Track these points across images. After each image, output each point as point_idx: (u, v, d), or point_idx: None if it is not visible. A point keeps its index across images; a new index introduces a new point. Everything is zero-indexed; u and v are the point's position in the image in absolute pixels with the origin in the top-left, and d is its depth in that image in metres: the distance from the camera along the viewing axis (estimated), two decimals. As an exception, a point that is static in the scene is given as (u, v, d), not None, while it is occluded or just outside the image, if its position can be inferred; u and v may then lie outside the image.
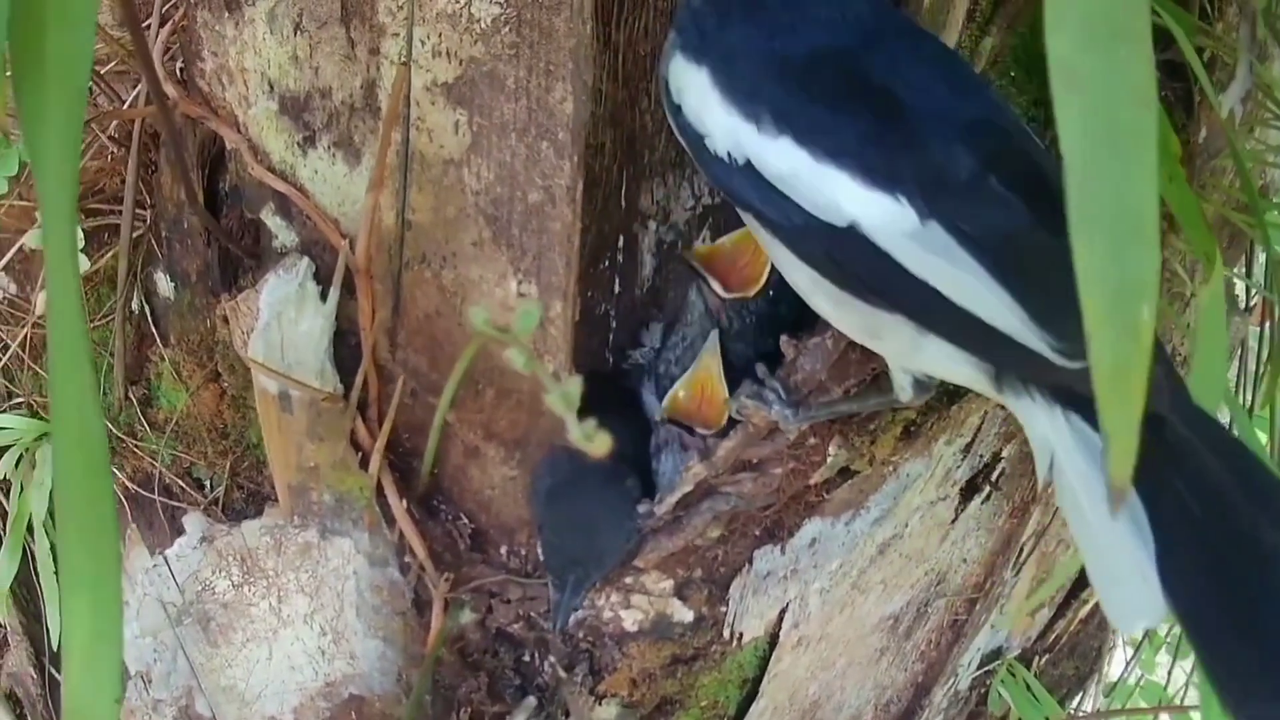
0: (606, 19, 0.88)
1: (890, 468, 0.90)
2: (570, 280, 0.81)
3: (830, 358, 0.81)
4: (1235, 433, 0.96)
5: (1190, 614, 0.59)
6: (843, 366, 0.82)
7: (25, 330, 0.97)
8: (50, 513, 1.01)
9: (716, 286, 0.87)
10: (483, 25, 0.77)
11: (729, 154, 0.69)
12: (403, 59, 0.79)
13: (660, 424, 0.90)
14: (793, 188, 0.67)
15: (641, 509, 0.86)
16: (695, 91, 0.70)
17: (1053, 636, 1.17)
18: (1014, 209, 0.65)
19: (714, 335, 0.88)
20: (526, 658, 0.92)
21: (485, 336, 0.67)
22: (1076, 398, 0.65)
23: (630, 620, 0.90)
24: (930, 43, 0.77)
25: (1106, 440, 0.43)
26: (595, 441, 0.62)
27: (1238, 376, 1.21)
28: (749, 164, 0.68)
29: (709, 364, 0.87)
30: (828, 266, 0.69)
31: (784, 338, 0.83)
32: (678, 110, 0.73)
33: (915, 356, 0.73)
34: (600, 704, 0.91)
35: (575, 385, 0.62)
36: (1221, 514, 0.60)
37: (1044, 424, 0.67)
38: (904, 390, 0.78)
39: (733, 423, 0.86)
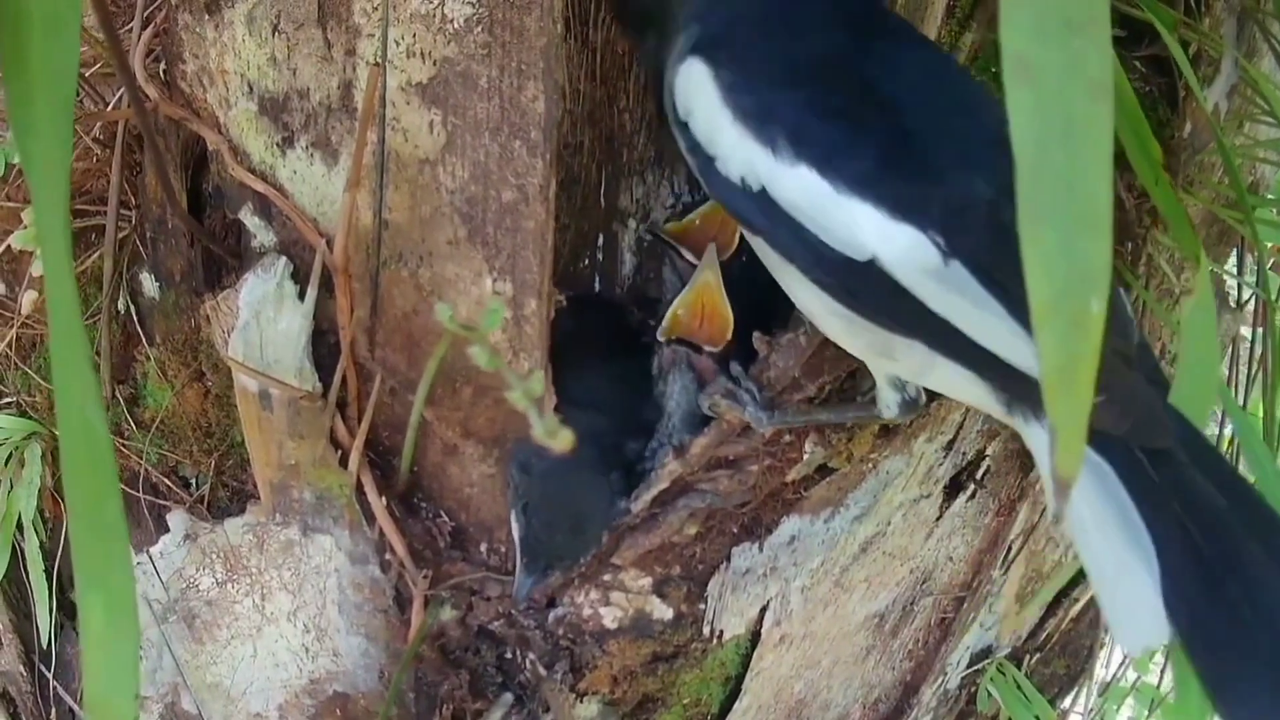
0: (584, 19, 0.89)
1: (869, 465, 0.90)
2: (545, 278, 0.81)
3: (804, 355, 0.81)
4: (1230, 428, 0.96)
5: (1190, 637, 0.61)
6: (816, 364, 0.82)
7: (13, 330, 0.98)
8: (40, 511, 1.02)
9: (688, 255, 0.86)
10: (455, 25, 0.78)
11: (742, 179, 0.67)
12: (377, 60, 0.80)
13: (665, 345, 0.88)
14: (810, 218, 0.66)
15: (619, 506, 0.87)
16: (704, 109, 0.69)
17: (1043, 635, 1.17)
18: None
19: (711, 249, 0.86)
20: (508, 655, 0.92)
21: (453, 334, 0.68)
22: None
23: (610, 618, 0.90)
24: (930, 47, 0.77)
25: (1053, 434, 0.43)
26: (559, 437, 0.62)
27: (1230, 373, 1.20)
28: (764, 191, 0.67)
29: (708, 279, 0.86)
30: (842, 295, 0.68)
31: (756, 334, 0.83)
32: (685, 127, 0.71)
33: (927, 375, 0.73)
34: (581, 701, 0.91)
35: (538, 382, 0.62)
36: (1220, 543, 0.62)
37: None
38: (889, 409, 0.78)
39: (741, 341, 0.86)
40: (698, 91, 0.69)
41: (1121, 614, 0.64)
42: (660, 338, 0.88)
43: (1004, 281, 0.63)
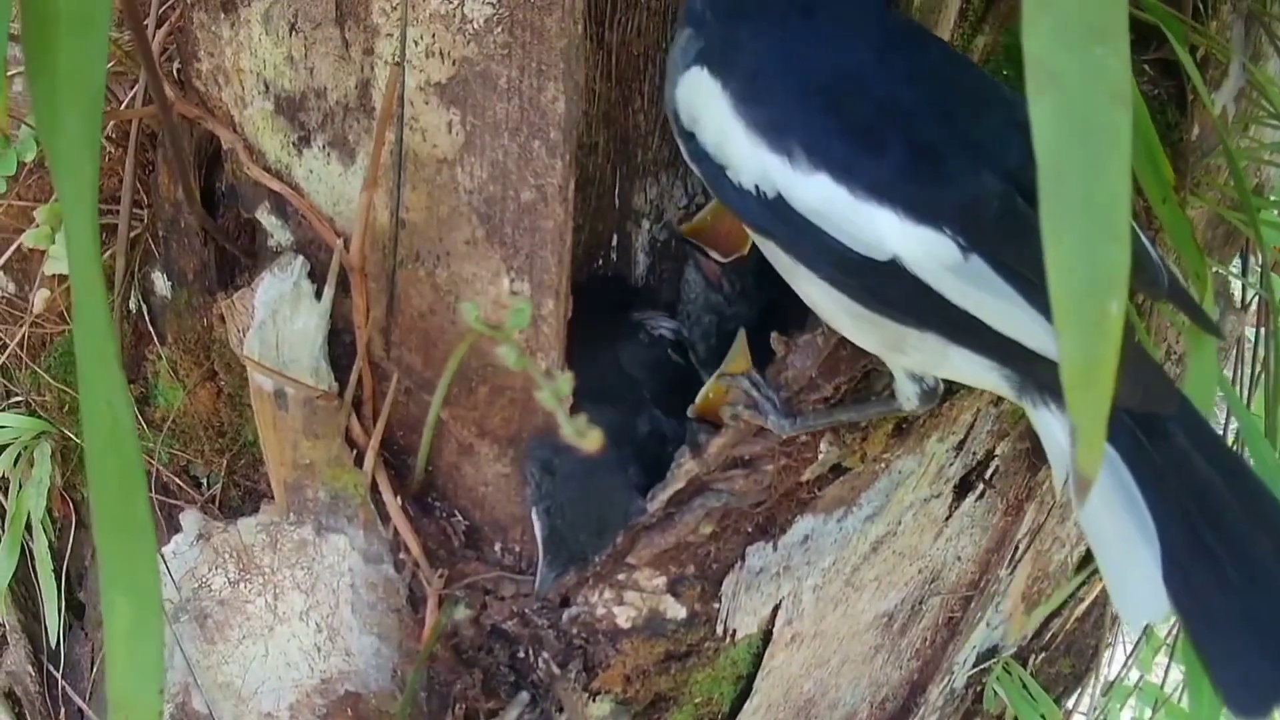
0: (600, 19, 0.89)
1: (882, 465, 0.90)
2: (562, 278, 0.82)
3: (821, 354, 0.82)
4: (1235, 426, 0.98)
5: (1189, 612, 0.64)
6: (833, 364, 0.83)
7: (24, 329, 0.98)
8: (49, 511, 1.01)
9: (714, 254, 0.88)
10: (475, 25, 0.78)
11: (757, 187, 0.68)
12: (396, 59, 0.80)
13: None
14: (829, 222, 0.67)
15: (635, 506, 0.87)
16: (713, 119, 0.69)
17: (1049, 635, 1.18)
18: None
19: (741, 335, 0.89)
20: (521, 654, 0.92)
21: (477, 333, 0.68)
22: None
23: (624, 617, 0.90)
24: (941, 49, 0.78)
25: (1074, 434, 0.44)
26: (587, 437, 0.62)
27: (1233, 374, 1.21)
28: (780, 197, 0.68)
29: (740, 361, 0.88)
30: (862, 294, 0.70)
31: (774, 335, 0.83)
32: (690, 137, 0.72)
33: (940, 365, 0.75)
34: (594, 700, 0.91)
35: (566, 382, 0.63)
36: (1217, 521, 0.65)
37: (1061, 435, 0.70)
38: (909, 400, 0.80)
39: (758, 349, 0.87)
40: (705, 102, 0.70)
41: (1124, 588, 0.67)
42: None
43: (1019, 269, 0.65)
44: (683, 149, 0.74)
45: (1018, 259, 0.65)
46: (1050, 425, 0.70)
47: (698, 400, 0.89)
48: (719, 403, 0.87)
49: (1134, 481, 0.66)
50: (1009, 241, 0.66)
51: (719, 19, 0.71)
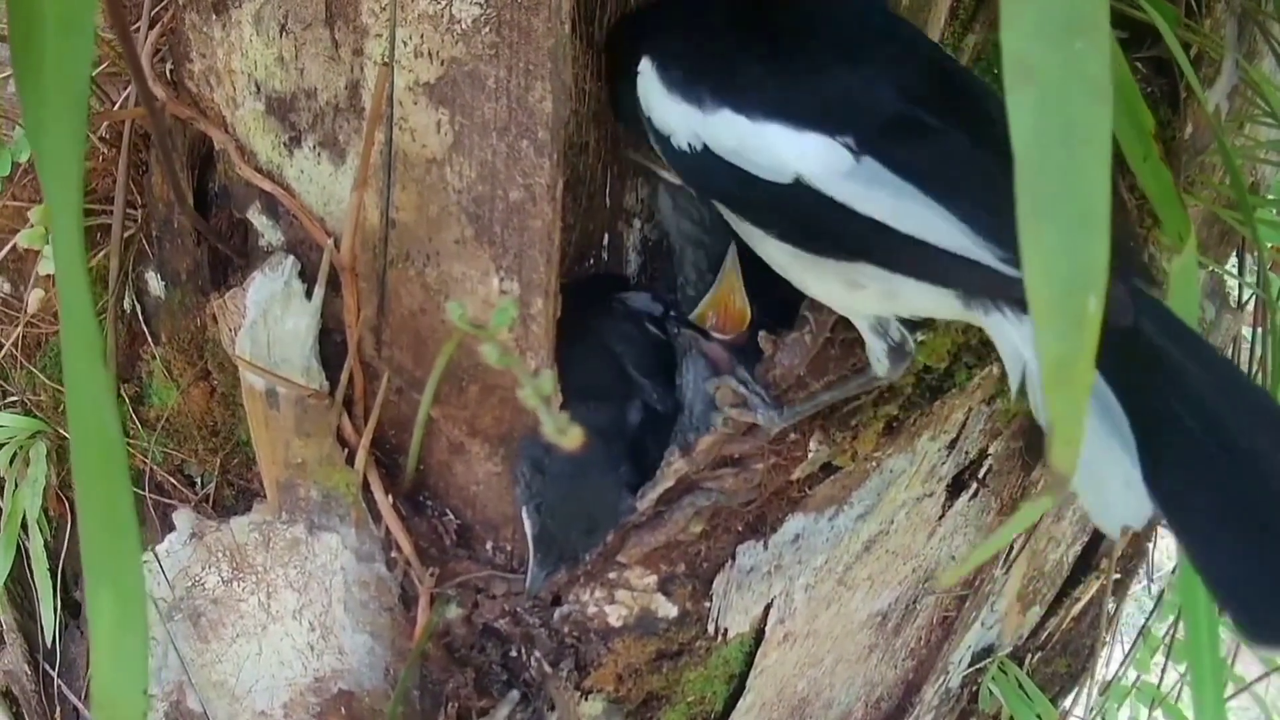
0: (590, 19, 0.89)
1: (873, 463, 0.90)
2: (551, 277, 0.82)
3: (809, 353, 0.82)
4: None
5: (1177, 511, 0.58)
6: (821, 362, 0.83)
7: (19, 329, 0.98)
8: (44, 510, 1.02)
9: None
10: (463, 26, 0.78)
11: (689, 145, 0.73)
12: (385, 60, 0.80)
13: (678, 332, 0.91)
14: (741, 156, 0.70)
15: (624, 504, 0.87)
16: (656, 98, 0.76)
17: (1045, 634, 1.17)
18: (945, 133, 0.68)
19: (732, 249, 0.89)
20: (513, 653, 0.93)
21: (463, 331, 0.68)
22: None
23: (615, 616, 0.90)
24: (856, 7, 0.79)
25: (1050, 429, 0.43)
26: (568, 435, 0.62)
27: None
28: (706, 148, 0.72)
29: (730, 275, 0.89)
30: (788, 228, 0.72)
31: (762, 334, 0.83)
32: (649, 121, 0.77)
33: (894, 302, 0.75)
34: (586, 699, 0.91)
35: (548, 381, 0.63)
36: (1199, 412, 0.60)
37: (1013, 337, 0.68)
38: (880, 363, 0.80)
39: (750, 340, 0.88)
40: (650, 87, 0.76)
41: (1099, 496, 0.63)
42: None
43: (922, 172, 0.66)
44: (649, 135, 0.79)
45: (917, 160, 0.66)
46: (1001, 327, 0.68)
47: (696, 311, 0.89)
48: (712, 319, 0.90)
49: (1102, 379, 0.62)
50: (908, 145, 0.67)
51: (658, 30, 0.80)
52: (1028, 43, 0.43)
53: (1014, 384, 0.69)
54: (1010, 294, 0.66)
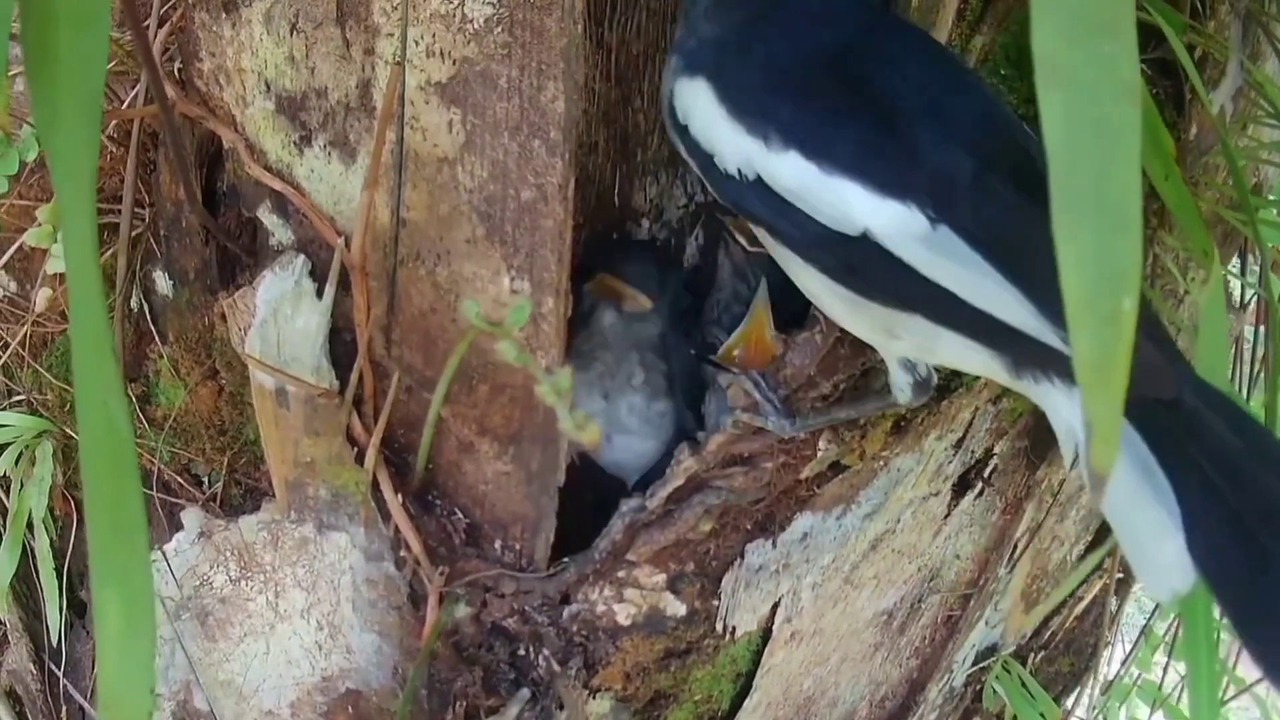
0: (599, 19, 0.90)
1: (881, 463, 0.90)
2: (562, 277, 0.82)
3: (819, 353, 0.82)
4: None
5: (1217, 577, 0.61)
6: (831, 361, 0.83)
7: (25, 328, 0.98)
8: (50, 509, 1.02)
9: (743, 241, 0.89)
10: (475, 25, 0.78)
11: (739, 171, 0.72)
12: (397, 59, 0.80)
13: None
14: (804, 200, 0.69)
15: (634, 503, 0.87)
16: (701, 111, 0.74)
17: (1048, 633, 1.18)
18: (1015, 206, 0.67)
19: (764, 284, 0.90)
20: (521, 651, 0.93)
21: (477, 331, 0.69)
22: None
23: (623, 614, 0.90)
24: (918, 37, 0.79)
25: (1088, 429, 0.44)
26: (586, 430, 0.63)
27: (1233, 373, 1.22)
28: (759, 179, 0.71)
29: (760, 313, 0.90)
30: (841, 273, 0.71)
31: (773, 334, 0.84)
32: (684, 130, 0.76)
33: (932, 351, 0.75)
34: (594, 697, 0.91)
35: (566, 377, 0.63)
36: (1239, 481, 0.63)
37: (1065, 408, 0.69)
38: (902, 392, 0.80)
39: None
40: (695, 99, 0.74)
41: (1147, 562, 0.65)
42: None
43: (991, 244, 0.66)
44: (678, 144, 0.77)
45: (988, 232, 0.66)
46: (1053, 398, 0.70)
47: (720, 353, 0.90)
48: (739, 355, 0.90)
49: (1147, 447, 0.64)
50: (980, 215, 0.67)
51: (709, 21, 0.76)
52: (1057, 44, 0.44)
53: (1067, 454, 0.71)
54: (1066, 367, 0.67)
